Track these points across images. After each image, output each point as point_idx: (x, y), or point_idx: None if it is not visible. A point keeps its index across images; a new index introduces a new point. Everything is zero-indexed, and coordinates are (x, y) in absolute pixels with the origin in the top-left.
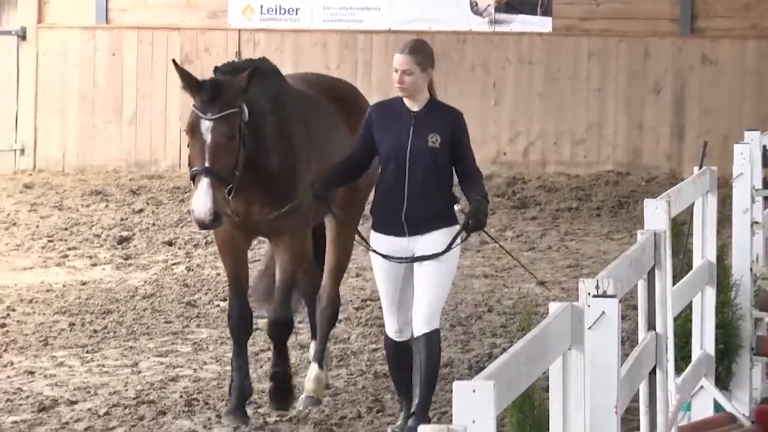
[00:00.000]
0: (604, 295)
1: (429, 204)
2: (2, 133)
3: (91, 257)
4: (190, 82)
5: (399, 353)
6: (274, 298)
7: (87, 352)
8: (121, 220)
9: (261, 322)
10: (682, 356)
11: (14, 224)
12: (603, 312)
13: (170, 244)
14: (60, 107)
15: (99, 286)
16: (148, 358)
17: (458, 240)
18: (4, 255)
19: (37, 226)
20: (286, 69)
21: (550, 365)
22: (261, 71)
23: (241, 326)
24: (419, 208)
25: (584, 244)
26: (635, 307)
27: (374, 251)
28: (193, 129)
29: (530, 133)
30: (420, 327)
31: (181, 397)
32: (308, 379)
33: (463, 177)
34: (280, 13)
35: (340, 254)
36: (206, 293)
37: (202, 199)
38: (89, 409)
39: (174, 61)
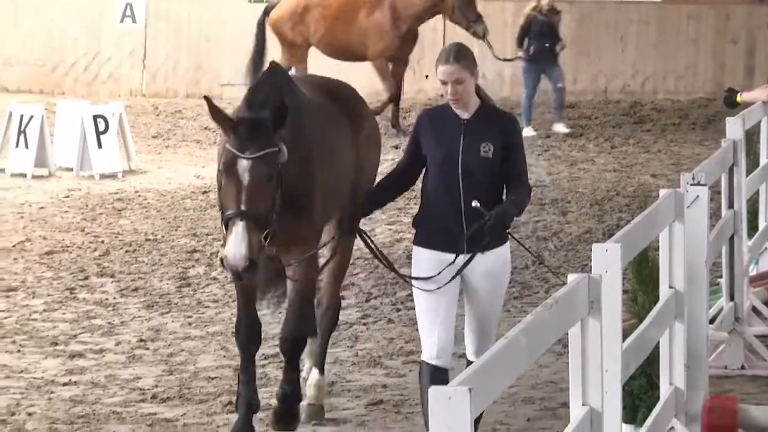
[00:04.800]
0: (698, 184)
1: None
2: None
3: None
4: (223, 120)
5: (434, 380)
6: (286, 312)
7: None
8: None
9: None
10: (752, 227)
11: None
12: (697, 196)
13: (396, 148)
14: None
15: None
16: (381, 225)
17: (509, 266)
18: None
19: None
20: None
21: (660, 233)
22: (280, 90)
23: (249, 337)
24: (476, 223)
25: (684, 148)
26: (719, 192)
27: (418, 287)
28: (229, 169)
29: (646, 71)
30: (473, 357)
31: (403, 252)
32: (309, 385)
33: (510, 188)
34: None
35: (342, 258)
36: None
37: (236, 245)
38: None
39: (206, 97)
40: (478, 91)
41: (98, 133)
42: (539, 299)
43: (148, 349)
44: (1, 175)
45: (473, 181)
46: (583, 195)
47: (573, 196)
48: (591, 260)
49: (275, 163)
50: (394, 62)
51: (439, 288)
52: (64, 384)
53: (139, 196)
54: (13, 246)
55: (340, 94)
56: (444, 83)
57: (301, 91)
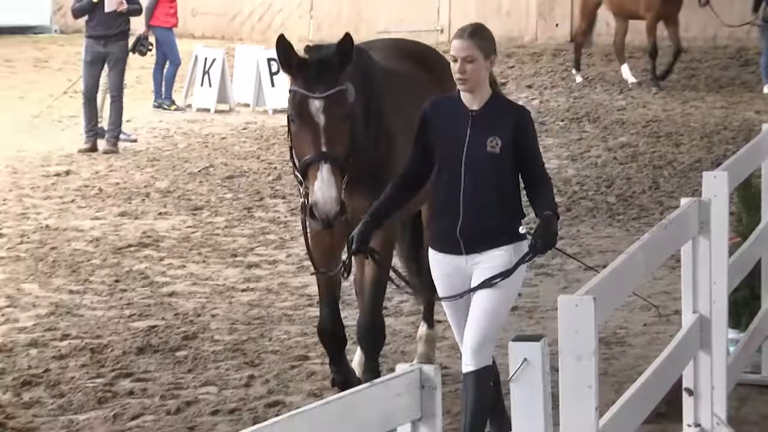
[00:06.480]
0: None
1: (487, 217)
2: (428, 18)
3: None
4: (293, 57)
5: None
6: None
7: None
8: None
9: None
10: None
11: None
12: None
13: (529, 87)
14: (464, 3)
15: None
16: None
17: (523, 264)
18: None
19: None
20: None
21: (762, 162)
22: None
23: (332, 337)
24: (476, 222)
25: None
26: None
27: (438, 300)
28: (301, 111)
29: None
30: (467, 360)
31: None
32: (419, 339)
33: (529, 186)
34: None
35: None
36: None
37: (327, 188)
38: None
39: (281, 36)
40: (494, 82)
41: (271, 74)
42: (655, 220)
43: None
44: (188, 110)
45: (477, 177)
46: (694, 129)
47: (685, 130)
48: (701, 186)
49: (346, 101)
50: (665, 21)
51: (451, 300)
52: (243, 290)
53: None
54: (199, 171)
55: (425, 60)
56: (455, 60)
57: (378, 63)
